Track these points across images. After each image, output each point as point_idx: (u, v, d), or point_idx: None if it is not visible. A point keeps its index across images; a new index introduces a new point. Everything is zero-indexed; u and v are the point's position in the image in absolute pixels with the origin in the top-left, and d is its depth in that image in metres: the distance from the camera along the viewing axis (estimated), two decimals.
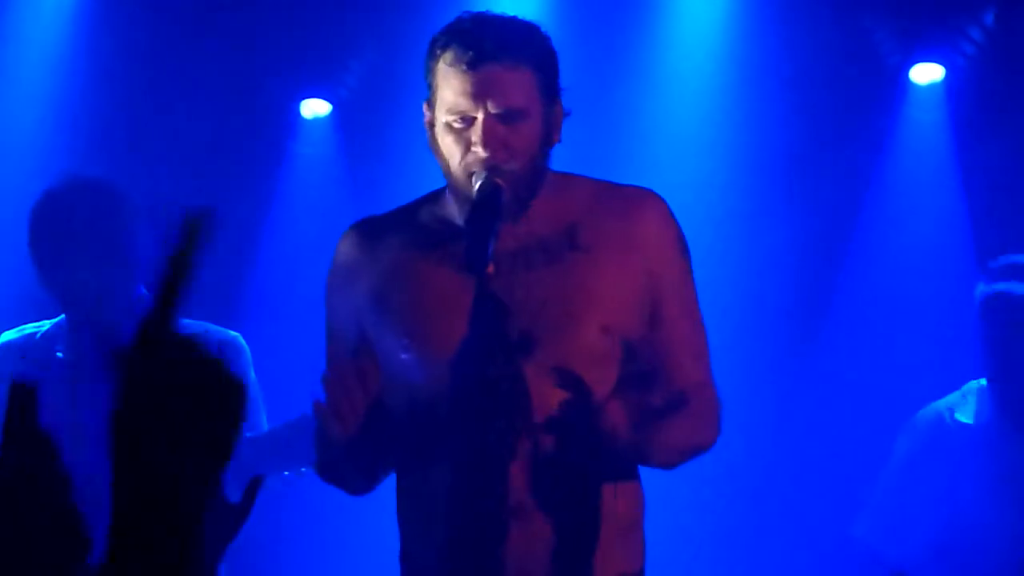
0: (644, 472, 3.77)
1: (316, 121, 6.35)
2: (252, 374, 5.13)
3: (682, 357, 3.81)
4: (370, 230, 3.85)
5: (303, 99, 6.35)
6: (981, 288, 5.16)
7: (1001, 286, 5.11)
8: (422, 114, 3.72)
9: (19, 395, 2.31)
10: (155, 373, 1.61)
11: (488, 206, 3.62)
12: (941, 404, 5.28)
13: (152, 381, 1.61)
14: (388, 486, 3.82)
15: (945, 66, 6.17)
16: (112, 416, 1.62)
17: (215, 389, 1.63)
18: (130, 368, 1.60)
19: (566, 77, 3.78)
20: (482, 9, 3.78)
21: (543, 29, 3.71)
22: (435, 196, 3.81)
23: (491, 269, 3.60)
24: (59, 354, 5.08)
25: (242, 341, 5.18)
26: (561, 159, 3.82)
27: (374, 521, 3.86)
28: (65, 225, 5.02)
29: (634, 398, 3.77)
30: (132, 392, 1.61)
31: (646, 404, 3.77)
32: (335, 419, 3.60)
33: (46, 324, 5.14)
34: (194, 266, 1.59)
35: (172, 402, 1.61)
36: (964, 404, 5.26)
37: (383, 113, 5.86)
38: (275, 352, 4.09)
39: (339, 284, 3.86)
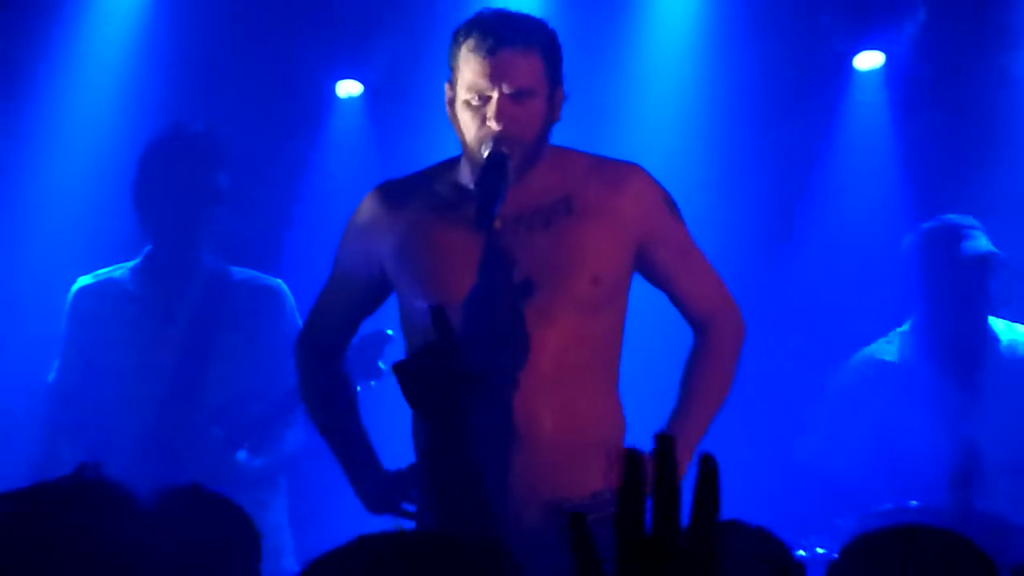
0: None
1: (349, 100, 6.32)
2: (297, 316, 5.19)
3: (700, 286, 3.92)
4: (393, 191, 3.91)
5: (338, 80, 6.29)
6: (917, 245, 5.28)
7: (937, 249, 5.23)
8: (442, 95, 3.81)
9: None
10: None
11: (495, 171, 3.69)
12: (871, 347, 5.39)
13: None
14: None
15: (885, 53, 6.16)
16: None
17: None
18: None
19: (565, 63, 3.81)
20: (497, 6, 3.86)
21: (550, 25, 3.80)
22: (450, 164, 3.88)
23: (498, 225, 3.70)
24: (131, 290, 5.18)
25: (285, 287, 5.30)
26: (560, 134, 3.88)
27: (394, 449, 3.94)
28: (170, 167, 5.13)
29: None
30: None
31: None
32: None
33: (119, 269, 5.22)
34: None
35: None
36: (890, 346, 5.36)
37: (409, 93, 5.91)
38: (312, 297, 4.22)
39: (359, 233, 3.93)
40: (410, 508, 3.82)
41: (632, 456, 1.50)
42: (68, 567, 2.39)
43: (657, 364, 4.32)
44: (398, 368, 3.38)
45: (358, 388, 4.25)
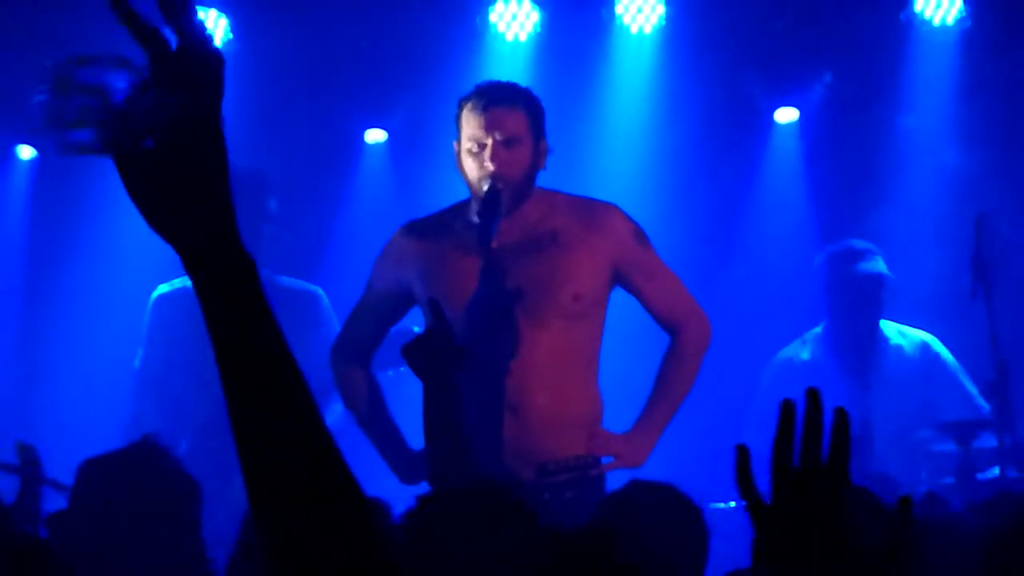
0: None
1: (376, 145, 6.39)
2: (332, 314, 5.20)
3: (666, 300, 3.98)
4: (417, 228, 4.02)
5: (367, 128, 6.35)
6: (826, 264, 5.36)
7: (841, 268, 5.31)
8: (447, 141, 3.96)
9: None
10: None
11: (492, 201, 3.83)
12: (789, 348, 5.48)
13: None
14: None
15: (800, 109, 6.21)
16: None
17: None
18: None
19: (549, 123, 3.93)
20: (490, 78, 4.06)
21: (532, 91, 3.98)
22: (461, 205, 3.99)
23: (495, 245, 3.81)
24: None
25: (322, 292, 5.32)
26: (547, 176, 4.00)
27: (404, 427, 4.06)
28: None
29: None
30: None
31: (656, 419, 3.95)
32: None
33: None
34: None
35: None
36: (804, 348, 5.44)
37: (424, 141, 5.97)
38: (345, 304, 4.27)
39: (391, 261, 4.00)
40: None
41: (787, 407, 1.55)
42: (134, 509, 2.63)
43: (632, 360, 4.45)
44: (404, 349, 3.52)
45: (390, 373, 4.26)
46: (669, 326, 4.01)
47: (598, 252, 3.89)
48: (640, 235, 3.96)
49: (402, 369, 4.76)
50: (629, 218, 3.96)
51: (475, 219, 3.88)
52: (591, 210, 3.95)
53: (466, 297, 3.80)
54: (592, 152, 6.17)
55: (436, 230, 3.98)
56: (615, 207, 3.98)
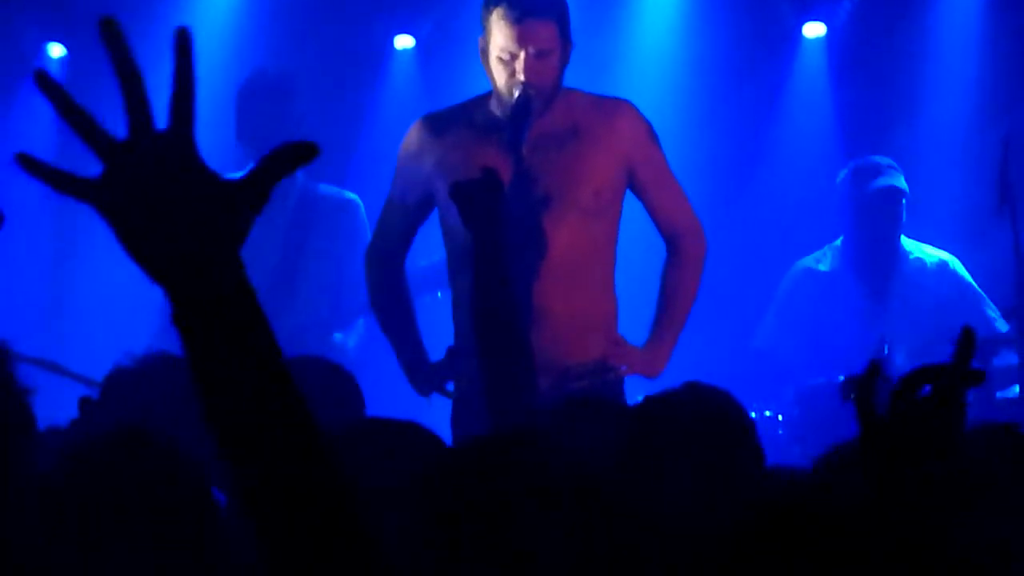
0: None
1: (404, 51, 6.38)
2: (367, 223, 5.17)
3: (670, 208, 4.02)
4: (435, 121, 4.01)
5: (395, 34, 6.34)
6: (847, 178, 5.33)
7: (861, 182, 5.27)
8: (475, 49, 3.94)
9: None
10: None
11: (523, 109, 3.83)
12: (809, 258, 5.48)
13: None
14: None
15: (827, 24, 6.19)
16: None
17: None
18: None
19: (576, 25, 3.93)
20: None
21: None
22: (482, 98, 3.98)
23: (525, 151, 3.84)
24: None
25: (359, 200, 5.33)
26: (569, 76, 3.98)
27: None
28: (261, 99, 5.18)
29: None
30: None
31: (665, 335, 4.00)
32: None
33: None
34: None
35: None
36: (824, 258, 5.44)
37: (453, 48, 5.92)
38: (373, 211, 4.28)
39: (410, 154, 4.00)
40: (449, 388, 3.96)
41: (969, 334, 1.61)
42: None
43: (644, 272, 4.38)
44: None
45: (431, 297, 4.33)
46: (669, 235, 4.03)
47: (614, 148, 3.91)
48: (653, 134, 3.98)
49: (439, 294, 4.78)
50: (643, 116, 3.98)
51: (499, 114, 3.89)
52: (608, 106, 3.98)
53: None
54: (618, 67, 6.14)
55: (455, 122, 3.97)
56: (630, 103, 4.00)
